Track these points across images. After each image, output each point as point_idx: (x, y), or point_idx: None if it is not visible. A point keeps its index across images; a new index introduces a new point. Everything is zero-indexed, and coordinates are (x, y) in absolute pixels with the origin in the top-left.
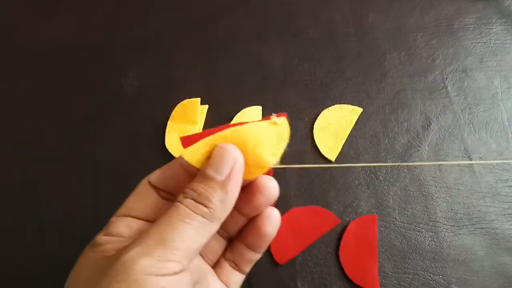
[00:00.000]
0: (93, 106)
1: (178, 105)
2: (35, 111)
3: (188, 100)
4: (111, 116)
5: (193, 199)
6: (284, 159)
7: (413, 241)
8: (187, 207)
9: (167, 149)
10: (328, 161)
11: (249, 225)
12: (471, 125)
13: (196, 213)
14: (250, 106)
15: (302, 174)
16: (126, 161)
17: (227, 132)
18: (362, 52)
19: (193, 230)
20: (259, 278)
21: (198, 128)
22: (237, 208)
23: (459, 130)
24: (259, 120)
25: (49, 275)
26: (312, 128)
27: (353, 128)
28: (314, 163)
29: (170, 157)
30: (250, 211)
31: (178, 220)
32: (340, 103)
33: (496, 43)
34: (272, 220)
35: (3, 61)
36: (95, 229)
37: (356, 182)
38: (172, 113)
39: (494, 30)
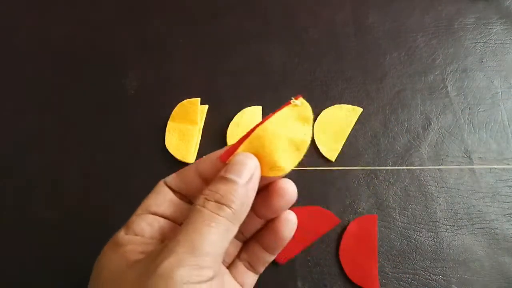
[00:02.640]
0: (93, 106)
1: (178, 105)
2: (35, 111)
3: (188, 100)
4: (111, 116)
5: (216, 201)
6: None
7: (413, 241)
8: (211, 210)
9: (167, 149)
10: (328, 161)
11: (266, 228)
12: (471, 125)
13: (220, 215)
14: (250, 106)
15: (302, 174)
16: (126, 161)
17: (252, 137)
18: (362, 52)
19: (219, 234)
20: (259, 278)
21: (198, 128)
22: (255, 210)
23: (459, 130)
24: (281, 108)
25: (49, 275)
26: (312, 128)
27: (353, 128)
28: (314, 163)
29: (170, 157)
30: (269, 213)
31: (204, 225)
32: (340, 103)
33: (496, 43)
34: (289, 223)
35: (3, 61)
36: (95, 229)
37: (356, 182)
38: (172, 113)
39: (494, 30)
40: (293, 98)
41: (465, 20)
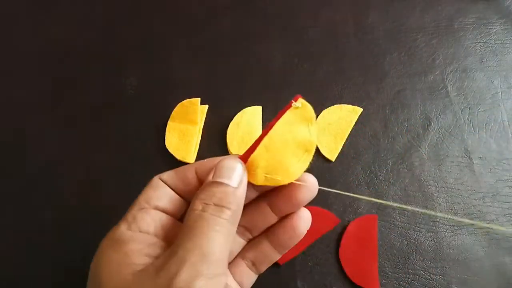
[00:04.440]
0: (93, 106)
1: (178, 105)
2: (35, 111)
3: (188, 100)
4: (111, 116)
5: (215, 204)
6: None
7: (413, 241)
8: (212, 214)
9: (167, 149)
10: (328, 161)
11: (280, 224)
12: (471, 125)
13: (222, 218)
14: (250, 106)
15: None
16: (126, 161)
17: (260, 149)
18: (362, 52)
19: (224, 237)
20: (259, 278)
21: (198, 128)
22: (272, 206)
23: (459, 130)
24: (283, 112)
25: (49, 275)
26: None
27: (353, 128)
28: (314, 163)
29: (170, 157)
30: (288, 208)
31: (210, 229)
32: (340, 103)
33: (496, 43)
34: (305, 220)
35: (3, 61)
36: (95, 229)
37: (356, 182)
38: (172, 113)
39: (494, 30)
40: (292, 100)
41: (465, 20)
